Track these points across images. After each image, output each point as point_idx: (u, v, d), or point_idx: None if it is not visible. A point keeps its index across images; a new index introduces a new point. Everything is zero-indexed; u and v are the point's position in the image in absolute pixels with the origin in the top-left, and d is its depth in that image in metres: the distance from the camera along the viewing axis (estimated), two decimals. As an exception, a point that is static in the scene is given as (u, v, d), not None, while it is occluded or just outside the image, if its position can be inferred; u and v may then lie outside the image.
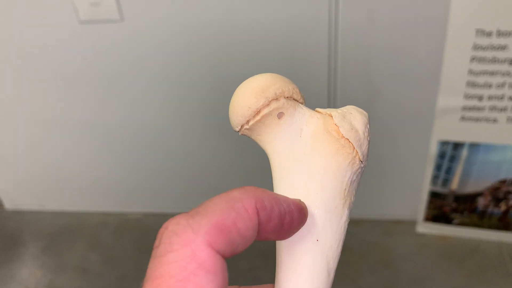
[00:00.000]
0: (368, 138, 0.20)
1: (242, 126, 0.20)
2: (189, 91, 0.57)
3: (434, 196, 0.57)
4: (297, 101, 0.20)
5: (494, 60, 0.46)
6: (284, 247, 0.19)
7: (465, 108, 0.49)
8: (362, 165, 0.20)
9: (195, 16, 0.50)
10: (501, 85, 0.47)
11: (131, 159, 0.65)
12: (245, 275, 0.59)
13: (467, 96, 0.48)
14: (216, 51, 0.53)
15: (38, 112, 0.61)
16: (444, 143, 0.52)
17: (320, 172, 0.19)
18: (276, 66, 0.53)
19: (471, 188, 0.55)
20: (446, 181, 0.55)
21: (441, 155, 0.53)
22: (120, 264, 0.63)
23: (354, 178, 0.20)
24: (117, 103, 0.58)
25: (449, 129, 0.51)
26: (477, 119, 0.49)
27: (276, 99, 0.19)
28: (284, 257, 0.19)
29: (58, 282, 0.61)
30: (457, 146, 0.52)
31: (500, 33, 0.44)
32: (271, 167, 0.20)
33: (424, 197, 0.58)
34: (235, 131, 0.20)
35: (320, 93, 0.54)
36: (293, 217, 0.18)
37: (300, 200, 0.19)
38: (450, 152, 0.52)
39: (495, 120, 0.49)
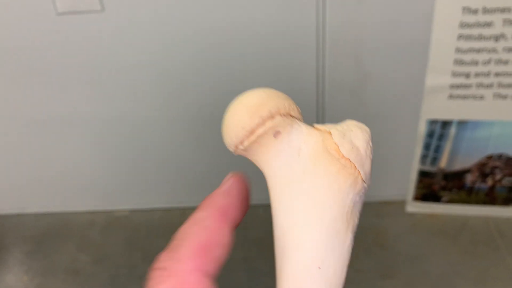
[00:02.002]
0: (371, 157, 0.19)
1: (236, 147, 0.19)
2: (175, 85, 0.55)
3: (423, 175, 0.58)
4: (294, 117, 0.19)
5: (480, 38, 0.46)
6: (285, 275, 0.18)
7: (453, 86, 0.50)
8: (365, 185, 0.19)
9: (180, 5, 0.49)
10: (487, 62, 0.48)
11: (115, 156, 0.63)
12: (240, 265, 0.59)
13: (455, 74, 0.49)
14: (203, 43, 0.52)
15: (14, 110, 0.59)
16: (432, 122, 0.53)
17: (320, 194, 0.18)
18: (261, 51, 0.52)
19: (459, 165, 0.56)
20: (435, 160, 0.56)
21: (430, 134, 0.54)
22: (111, 262, 0.61)
23: (357, 199, 0.19)
24: (98, 98, 0.57)
25: (438, 107, 0.51)
26: (464, 97, 0.50)
27: (272, 117, 0.18)
28: (285, 286, 0.18)
29: (48, 285, 0.59)
30: (445, 124, 0.53)
31: (485, 10, 0.45)
32: (269, 188, 0.19)
33: (413, 176, 0.58)
34: (232, 151, 0.20)
35: (308, 77, 0.53)
36: (245, 193, 0.19)
37: (230, 176, 0.19)
38: (438, 131, 0.53)
39: (482, 97, 0.50)
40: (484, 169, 0.56)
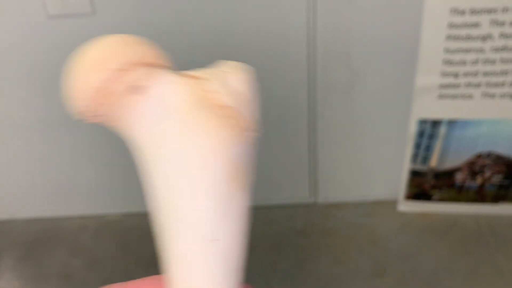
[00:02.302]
0: (256, 99, 0.16)
1: (85, 114, 0.15)
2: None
3: (414, 174, 0.58)
4: (161, 66, 0.16)
5: (468, 38, 0.47)
6: (173, 257, 0.16)
7: (442, 86, 0.50)
8: (253, 133, 0.16)
9: (170, 8, 0.49)
10: (475, 62, 0.48)
11: (106, 159, 0.63)
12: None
13: (444, 74, 0.50)
14: (195, 46, 0.52)
15: (3, 114, 0.58)
16: (423, 122, 0.53)
17: (201, 155, 0.15)
18: (252, 52, 0.52)
19: (449, 164, 0.57)
20: (425, 159, 0.57)
21: (420, 134, 0.54)
22: (103, 267, 0.61)
23: (247, 151, 0.16)
24: (90, 101, 0.56)
25: (428, 107, 0.52)
26: (453, 96, 0.51)
27: (127, 69, 0.15)
28: (174, 262, 0.16)
29: (40, 291, 0.59)
30: (435, 123, 0.53)
31: (473, 11, 0.46)
32: (138, 161, 0.16)
33: (405, 176, 0.59)
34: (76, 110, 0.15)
35: (300, 78, 0.54)
36: None
37: None
38: (429, 130, 0.54)
39: (470, 96, 0.51)
40: (474, 167, 0.56)
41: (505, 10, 0.45)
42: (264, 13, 0.49)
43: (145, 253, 0.61)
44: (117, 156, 0.63)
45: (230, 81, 0.16)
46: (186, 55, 0.52)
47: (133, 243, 0.64)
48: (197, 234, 0.15)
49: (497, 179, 0.57)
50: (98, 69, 0.14)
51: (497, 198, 0.59)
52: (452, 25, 0.47)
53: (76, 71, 0.15)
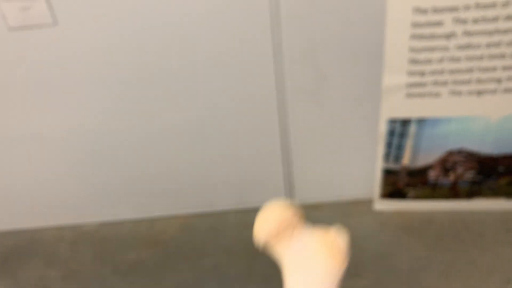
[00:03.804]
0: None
1: (266, 241, 0.31)
2: (134, 97, 0.55)
3: (388, 173, 0.58)
4: (301, 219, 0.32)
5: (432, 36, 0.47)
6: None
7: (409, 85, 0.50)
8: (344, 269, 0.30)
9: (132, 18, 0.48)
10: (440, 60, 0.48)
11: (81, 170, 0.62)
12: (211, 273, 0.59)
13: (410, 73, 0.50)
14: (159, 55, 0.51)
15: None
16: (392, 121, 0.53)
17: (322, 273, 0.30)
18: (220, 61, 0.52)
19: (421, 161, 0.57)
20: (397, 158, 0.57)
21: (391, 133, 0.54)
22: (81, 277, 0.60)
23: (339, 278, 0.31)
24: (56, 111, 0.56)
25: (396, 106, 0.52)
26: (421, 95, 0.51)
27: (292, 224, 0.30)
28: None
29: (15, 305, 0.58)
30: (405, 122, 0.53)
31: (435, 10, 0.46)
32: (283, 271, 0.32)
33: (378, 175, 0.59)
34: (259, 244, 0.31)
35: (268, 84, 0.53)
36: None
37: None
38: (399, 129, 0.54)
39: (438, 94, 0.51)
40: (446, 164, 0.57)
41: (467, 8, 0.45)
42: (228, 27, 0.49)
43: (122, 262, 0.61)
44: (92, 167, 0.62)
45: (341, 236, 0.32)
46: (151, 63, 0.52)
47: (110, 252, 0.63)
48: None
49: (469, 175, 0.57)
50: (276, 224, 0.31)
51: (470, 194, 0.59)
52: (415, 24, 0.47)
53: (262, 224, 0.31)
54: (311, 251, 0.30)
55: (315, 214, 0.64)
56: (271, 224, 0.30)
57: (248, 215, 0.65)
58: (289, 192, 0.65)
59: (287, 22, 0.49)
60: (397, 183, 0.60)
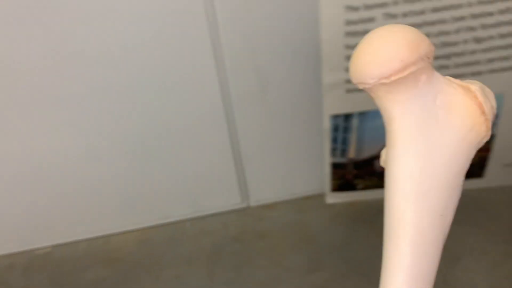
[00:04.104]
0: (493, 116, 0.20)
1: (380, 79, 0.19)
2: (85, 112, 0.54)
3: (336, 167, 0.60)
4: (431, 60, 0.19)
5: (366, 33, 0.49)
6: (410, 220, 0.20)
7: (348, 81, 0.52)
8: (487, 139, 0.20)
9: (70, 28, 0.47)
10: (375, 55, 0.50)
11: (30, 190, 0.60)
12: (172, 284, 0.58)
13: (348, 70, 0.51)
14: (88, 65, 0.50)
15: None
16: (335, 117, 0.55)
17: (452, 145, 0.19)
18: (161, 71, 0.52)
19: (367, 153, 0.59)
20: (343, 151, 0.58)
21: (335, 128, 0.56)
22: (36, 305, 0.58)
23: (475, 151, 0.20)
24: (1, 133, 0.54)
25: (338, 102, 0.54)
26: (360, 90, 0.53)
27: (427, 58, 0.18)
28: (410, 230, 0.20)
29: None
30: (347, 117, 0.55)
31: (366, 7, 0.48)
32: (391, 133, 0.20)
33: (327, 169, 0.61)
34: (367, 83, 0.20)
35: (212, 92, 0.54)
36: None
37: None
38: (342, 124, 0.56)
39: (376, 88, 0.53)
40: (390, 153, 0.59)
41: (395, 3, 0.47)
42: (162, 27, 0.49)
43: (79, 282, 0.59)
44: (41, 186, 0.60)
45: (489, 96, 0.19)
46: (93, 75, 0.51)
47: (66, 274, 0.61)
48: (433, 207, 0.19)
49: (412, 161, 0.60)
50: (414, 51, 0.17)
51: (415, 179, 0.62)
52: (349, 22, 0.48)
53: (393, 45, 0.18)
54: (446, 110, 0.18)
55: (270, 214, 0.64)
56: (408, 50, 0.17)
57: (205, 222, 0.66)
58: (245, 194, 0.65)
59: (225, 29, 0.49)
60: (346, 176, 0.62)
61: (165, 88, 0.54)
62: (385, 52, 0.18)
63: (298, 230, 0.62)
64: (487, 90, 0.19)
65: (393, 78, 0.18)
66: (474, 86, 0.19)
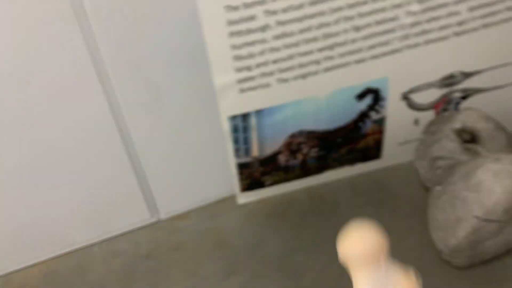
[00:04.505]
0: None
1: (350, 260, 0.31)
2: None
3: (242, 167, 0.60)
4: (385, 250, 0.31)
5: (249, 31, 0.49)
6: None
7: (239, 81, 0.52)
8: None
9: None
10: (262, 52, 0.50)
11: None
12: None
13: (238, 70, 0.51)
14: None
15: None
16: (233, 117, 0.54)
17: None
18: (39, 96, 0.48)
19: (269, 150, 0.59)
20: (247, 151, 0.58)
21: (235, 129, 0.55)
22: None
23: None
24: None
25: (233, 103, 0.53)
26: (253, 88, 0.53)
27: (383, 251, 0.29)
28: None
29: None
30: (245, 117, 0.55)
31: (246, 5, 0.47)
32: None
33: (234, 171, 0.60)
34: (350, 260, 0.31)
35: (100, 105, 0.51)
36: None
37: None
38: (241, 124, 0.55)
39: (268, 85, 0.53)
40: (291, 147, 0.60)
41: None
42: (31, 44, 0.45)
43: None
44: None
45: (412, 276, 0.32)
46: None
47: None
48: None
49: (314, 152, 0.61)
50: (378, 247, 0.29)
51: (320, 168, 0.64)
52: (231, 22, 0.48)
53: (365, 241, 0.30)
54: (394, 283, 0.30)
55: (182, 225, 0.63)
56: (367, 243, 0.29)
57: (114, 243, 0.62)
58: (153, 207, 0.63)
59: (103, 39, 0.47)
60: (253, 174, 0.61)
61: (50, 112, 0.50)
62: (358, 245, 0.30)
63: (212, 236, 0.61)
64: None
65: (360, 261, 0.30)
66: (411, 271, 0.32)
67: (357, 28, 0.52)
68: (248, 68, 0.51)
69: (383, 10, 0.52)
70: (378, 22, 0.53)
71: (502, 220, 0.45)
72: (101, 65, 0.48)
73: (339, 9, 0.50)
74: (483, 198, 0.44)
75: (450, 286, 0.51)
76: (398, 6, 0.52)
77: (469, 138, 0.52)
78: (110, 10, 0.45)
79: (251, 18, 0.48)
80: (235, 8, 0.47)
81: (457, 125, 0.52)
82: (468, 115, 0.52)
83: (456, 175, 0.47)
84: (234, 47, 0.50)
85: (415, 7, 0.53)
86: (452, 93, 0.61)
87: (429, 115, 0.62)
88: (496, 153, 0.47)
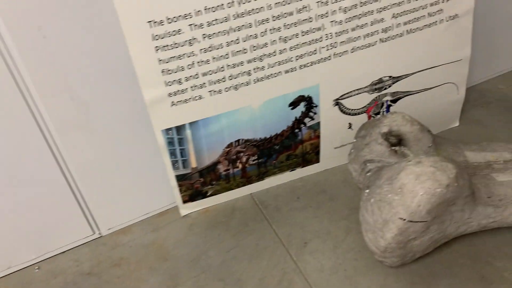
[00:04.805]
0: None
1: None
2: None
3: (182, 178, 0.60)
4: None
5: (176, 45, 0.49)
6: None
7: (170, 94, 0.52)
8: None
9: None
10: (191, 65, 0.51)
11: None
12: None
13: (168, 83, 0.51)
14: None
15: None
16: (168, 130, 0.54)
17: None
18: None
19: (208, 160, 0.59)
20: (185, 162, 0.58)
21: (170, 142, 0.55)
22: None
23: None
24: None
25: (165, 117, 0.53)
26: (185, 101, 0.53)
27: None
28: None
29: None
30: (179, 129, 0.55)
31: (170, 20, 0.47)
32: None
33: (174, 183, 0.60)
34: None
35: (29, 129, 0.50)
36: None
37: None
38: (176, 137, 0.55)
39: (200, 97, 0.53)
40: (230, 156, 0.60)
41: (198, 13, 0.48)
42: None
43: None
44: None
45: None
46: None
47: None
48: None
49: (253, 160, 0.62)
50: None
51: (260, 175, 0.65)
52: (156, 37, 0.48)
53: None
54: None
55: (125, 239, 0.62)
56: None
57: (55, 262, 0.61)
58: (94, 224, 0.62)
59: (27, 64, 0.46)
60: (194, 185, 0.62)
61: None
62: None
63: (154, 249, 0.60)
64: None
65: None
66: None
67: (284, 39, 0.53)
68: (178, 81, 0.51)
69: (309, 20, 0.53)
70: (305, 32, 0.54)
71: (426, 220, 0.47)
72: (22, 83, 0.47)
73: (265, 20, 0.51)
74: (406, 200, 0.46)
75: (386, 286, 0.53)
76: (323, 15, 0.53)
77: (396, 141, 0.53)
78: (29, 28, 0.45)
79: (177, 32, 0.48)
80: (159, 23, 0.47)
81: (384, 129, 0.54)
82: (394, 119, 0.54)
83: (382, 178, 0.49)
84: (162, 61, 0.49)
85: (340, 16, 0.54)
86: (383, 97, 0.63)
87: (363, 119, 0.64)
88: (421, 155, 0.49)
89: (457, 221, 0.49)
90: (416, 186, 0.45)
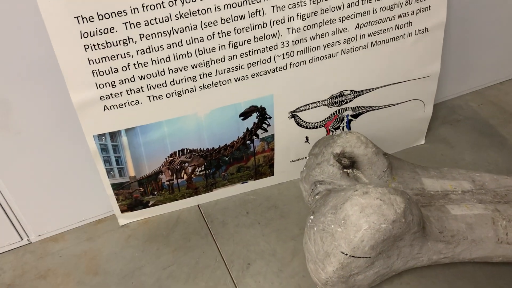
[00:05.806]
0: None
1: None
2: None
3: (119, 187, 0.55)
4: None
5: (109, 44, 0.44)
6: None
7: (103, 98, 0.47)
8: None
9: None
10: (127, 67, 0.46)
11: None
12: None
13: (99, 86, 0.46)
14: None
15: None
16: (100, 136, 0.49)
17: None
18: None
19: (148, 169, 0.55)
20: (122, 170, 0.53)
21: (104, 149, 0.51)
22: None
23: None
24: None
25: (97, 122, 0.48)
26: (120, 105, 0.48)
27: None
28: None
29: None
30: (113, 135, 0.50)
31: (102, 16, 0.42)
32: None
33: (110, 191, 0.55)
34: None
35: None
36: None
37: None
38: (110, 143, 0.50)
39: (138, 102, 0.48)
40: (174, 166, 0.55)
41: (135, 11, 0.43)
42: None
43: None
44: None
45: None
46: None
47: None
48: None
49: (200, 171, 0.57)
50: None
51: (208, 187, 0.60)
52: (86, 34, 0.43)
53: None
54: None
55: (55, 248, 0.57)
56: None
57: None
58: (22, 232, 0.57)
59: None
60: (133, 195, 0.57)
61: None
62: None
63: (86, 261, 0.56)
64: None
65: None
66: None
67: (234, 44, 0.48)
68: (112, 84, 0.46)
69: (263, 25, 0.48)
70: (258, 38, 0.49)
71: (370, 256, 0.43)
72: None
73: (213, 23, 0.46)
74: (349, 234, 0.42)
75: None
76: (279, 21, 0.49)
77: (348, 163, 0.49)
78: None
79: (110, 30, 0.43)
80: (89, 19, 0.42)
81: (337, 149, 0.49)
82: (347, 140, 0.49)
83: (328, 205, 0.45)
84: (93, 61, 0.44)
85: (298, 23, 0.49)
86: (343, 111, 0.59)
87: (321, 132, 0.60)
88: (368, 185, 0.45)
89: (405, 256, 0.46)
90: (360, 219, 0.41)
